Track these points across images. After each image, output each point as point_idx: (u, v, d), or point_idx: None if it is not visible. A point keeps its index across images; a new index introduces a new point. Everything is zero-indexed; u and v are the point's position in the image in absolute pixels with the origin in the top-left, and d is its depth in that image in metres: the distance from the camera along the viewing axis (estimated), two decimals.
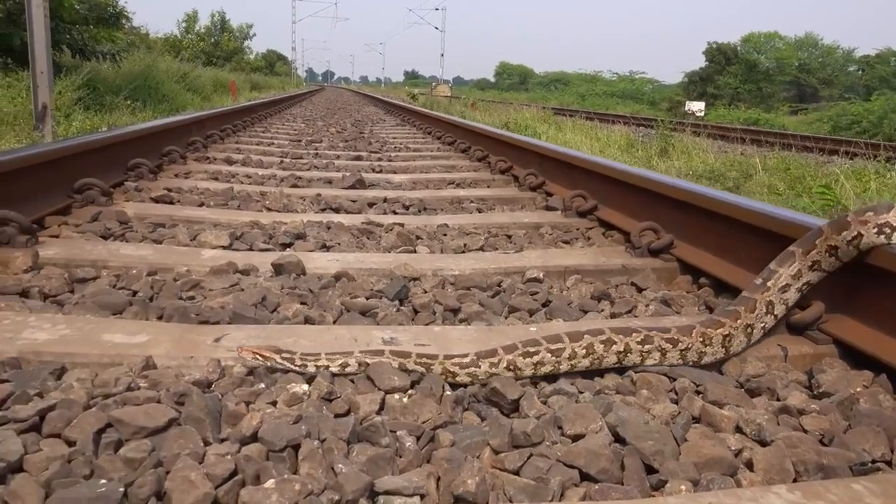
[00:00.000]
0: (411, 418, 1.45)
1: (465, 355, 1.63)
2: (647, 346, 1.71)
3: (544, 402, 1.55)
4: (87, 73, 13.43)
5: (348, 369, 1.63)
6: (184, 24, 51.84)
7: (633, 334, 1.71)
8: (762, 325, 1.85)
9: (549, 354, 1.65)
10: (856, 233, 1.85)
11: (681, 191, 2.80)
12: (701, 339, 1.75)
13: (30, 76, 11.49)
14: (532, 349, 1.65)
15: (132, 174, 4.17)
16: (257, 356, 1.60)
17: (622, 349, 1.70)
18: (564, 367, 1.67)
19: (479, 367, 1.62)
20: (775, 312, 1.88)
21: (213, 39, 52.65)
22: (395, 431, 1.38)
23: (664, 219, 2.89)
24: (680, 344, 1.73)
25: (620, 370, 1.74)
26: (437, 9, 63.20)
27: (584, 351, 1.67)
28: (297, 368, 1.61)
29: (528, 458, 1.31)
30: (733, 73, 58.18)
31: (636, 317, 2.21)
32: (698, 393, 1.62)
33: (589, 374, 1.72)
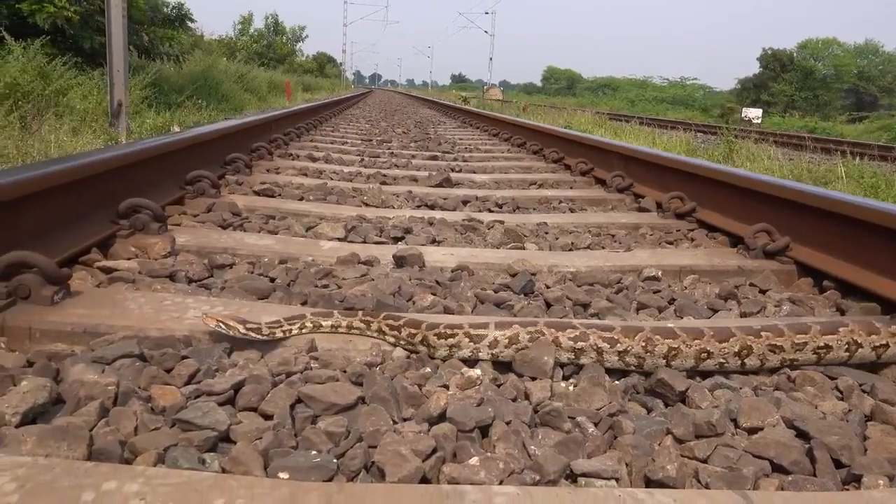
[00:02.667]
0: (584, 405, 1.47)
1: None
2: None
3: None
4: (155, 73, 13.82)
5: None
6: (239, 26, 52.87)
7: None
8: None
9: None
10: None
11: (798, 192, 2.77)
12: None
13: (106, 75, 11.89)
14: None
15: (230, 168, 4.28)
16: (220, 324, 1.63)
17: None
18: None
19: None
20: None
21: (266, 41, 53.55)
22: (575, 417, 1.40)
23: (777, 220, 2.86)
24: None
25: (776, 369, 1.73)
26: (486, 12, 63.21)
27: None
28: (263, 337, 1.67)
29: (715, 447, 1.32)
30: (789, 80, 57.02)
31: (766, 317, 2.20)
32: (864, 391, 1.61)
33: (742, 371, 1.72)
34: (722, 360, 1.67)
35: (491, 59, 65.80)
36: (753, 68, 63.12)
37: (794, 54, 59.27)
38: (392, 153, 6.52)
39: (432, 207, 3.79)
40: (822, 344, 1.70)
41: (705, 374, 1.68)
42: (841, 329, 1.72)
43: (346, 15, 71.94)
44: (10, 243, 1.95)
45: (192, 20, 18.19)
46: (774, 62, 58.20)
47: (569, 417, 1.39)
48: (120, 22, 9.36)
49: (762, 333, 1.69)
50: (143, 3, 15.31)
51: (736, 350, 1.67)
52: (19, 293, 1.76)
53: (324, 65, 78.78)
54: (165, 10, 17.57)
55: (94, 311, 1.78)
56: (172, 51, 17.46)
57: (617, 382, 1.58)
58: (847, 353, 1.72)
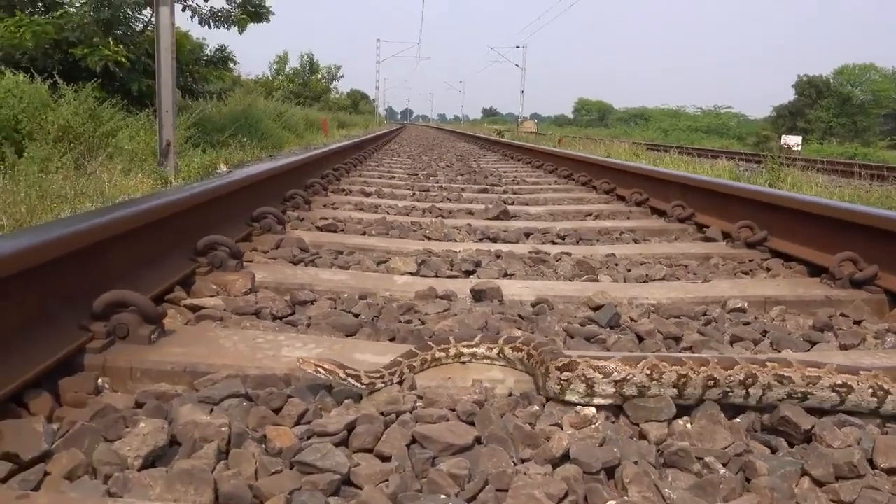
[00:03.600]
0: (708, 444, 1.41)
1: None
2: None
3: None
4: (200, 112, 14.15)
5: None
6: (275, 66, 54.03)
7: None
8: None
9: None
10: None
11: (886, 219, 2.68)
12: None
13: (151, 116, 12.19)
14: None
15: (289, 204, 4.32)
16: (319, 369, 1.55)
17: None
18: None
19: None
20: None
21: (301, 80, 54.61)
22: (702, 458, 1.34)
23: (861, 249, 2.77)
24: None
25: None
26: (518, 46, 63.82)
27: None
28: (361, 386, 1.58)
29: (861, 490, 1.24)
30: (825, 106, 56.30)
31: (869, 349, 2.11)
32: None
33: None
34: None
35: (522, 92, 66.20)
36: (788, 95, 62.51)
37: (831, 80, 58.58)
38: (441, 187, 6.53)
39: (494, 240, 3.76)
40: None
41: (823, 412, 1.61)
42: None
43: (378, 52, 73.22)
44: (102, 283, 1.96)
45: (234, 62, 18.61)
46: (810, 89, 57.56)
47: (696, 458, 1.33)
48: (169, 65, 9.59)
49: None
50: (188, 46, 15.74)
51: None
52: (118, 333, 1.76)
53: (357, 102, 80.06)
54: (207, 51, 17.98)
55: (191, 349, 1.77)
56: (215, 90, 17.88)
57: (738, 420, 1.52)
58: None
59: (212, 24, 16.71)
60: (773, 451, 1.44)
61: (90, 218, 2.03)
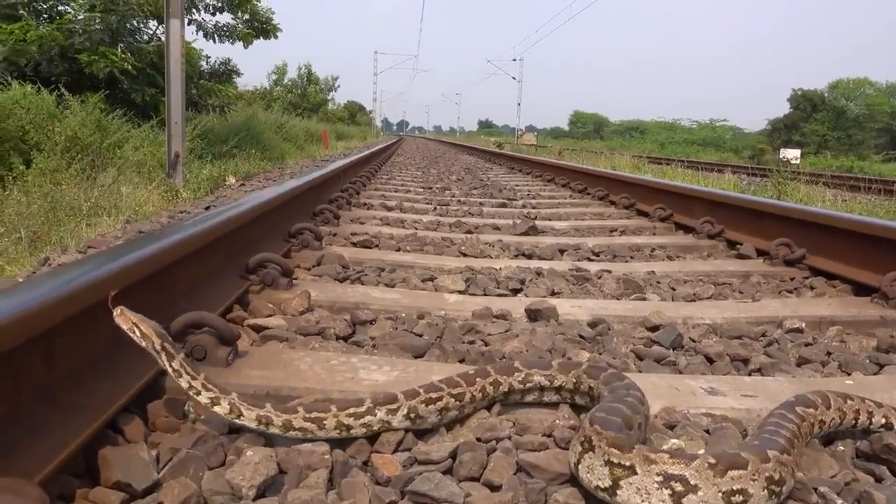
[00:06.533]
0: (816, 473, 1.39)
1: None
2: None
3: None
4: (204, 125, 14.14)
5: None
6: (273, 77, 54.17)
7: None
8: None
9: None
10: None
11: None
12: None
13: (156, 127, 12.16)
14: None
15: (319, 219, 4.30)
16: (134, 328, 1.43)
17: None
18: None
19: None
20: None
21: (299, 91, 54.72)
22: (817, 488, 1.32)
23: None
24: None
25: None
26: (514, 59, 64.14)
27: None
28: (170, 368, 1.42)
29: None
30: (820, 120, 56.70)
31: None
32: None
33: None
34: None
35: (519, 104, 66.50)
36: (783, 109, 62.90)
37: (825, 94, 59.03)
38: (459, 201, 6.52)
39: (530, 257, 3.75)
40: None
41: None
42: None
43: (376, 65, 73.46)
44: (170, 305, 1.94)
45: (238, 74, 18.62)
46: (805, 102, 57.98)
47: (812, 488, 1.31)
48: (179, 77, 9.57)
49: None
50: (195, 59, 15.73)
51: None
52: (195, 354, 1.74)
53: (355, 113, 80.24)
54: (206, 64, 17.91)
55: (269, 372, 1.74)
56: (218, 103, 17.86)
57: (841, 448, 1.50)
58: None
59: (217, 38, 16.75)
60: (878, 479, 1.42)
61: (155, 241, 2.00)
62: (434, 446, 1.40)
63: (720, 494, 1.15)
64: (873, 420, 1.55)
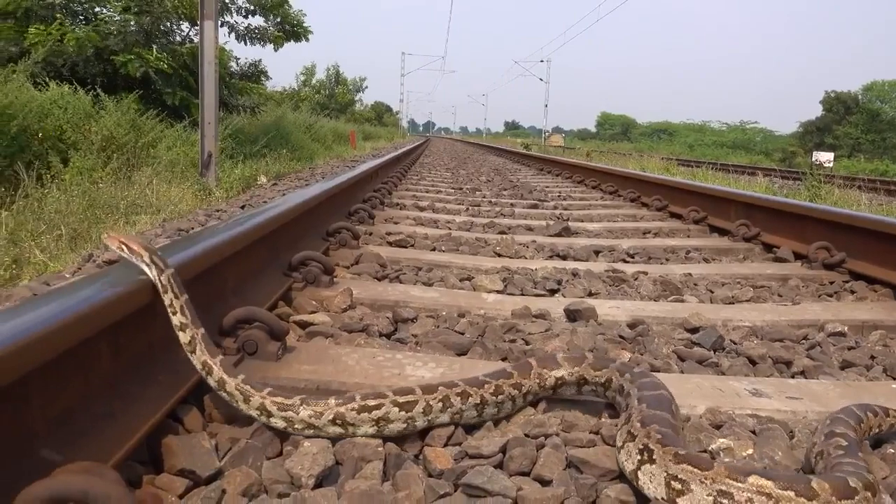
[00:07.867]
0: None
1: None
2: None
3: None
4: (235, 125, 14.31)
5: None
6: (302, 77, 54.61)
7: None
8: None
9: None
10: None
11: None
12: None
13: (188, 128, 12.34)
14: None
15: (354, 218, 4.34)
16: (123, 247, 1.49)
17: None
18: None
19: None
20: None
21: (327, 92, 55.10)
22: None
23: None
24: None
25: None
26: (542, 60, 63.91)
27: None
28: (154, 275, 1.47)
29: None
30: (854, 122, 55.73)
31: None
32: None
33: None
34: None
35: (546, 105, 66.24)
36: (815, 111, 61.97)
37: (859, 97, 58.02)
38: (491, 202, 6.54)
39: (564, 258, 3.76)
40: None
41: None
42: None
43: (403, 65, 73.70)
44: (221, 300, 1.99)
45: (267, 76, 18.80)
46: (838, 105, 57.02)
47: None
48: (212, 78, 9.69)
49: None
50: (226, 60, 15.92)
51: None
52: (247, 349, 1.78)
53: (382, 114, 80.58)
54: (236, 65, 18.07)
55: (318, 367, 1.78)
56: (248, 103, 18.06)
57: (891, 450, 1.50)
58: None
59: (248, 40, 16.93)
60: None
61: (205, 238, 2.04)
62: (484, 441, 1.43)
63: None
64: None
